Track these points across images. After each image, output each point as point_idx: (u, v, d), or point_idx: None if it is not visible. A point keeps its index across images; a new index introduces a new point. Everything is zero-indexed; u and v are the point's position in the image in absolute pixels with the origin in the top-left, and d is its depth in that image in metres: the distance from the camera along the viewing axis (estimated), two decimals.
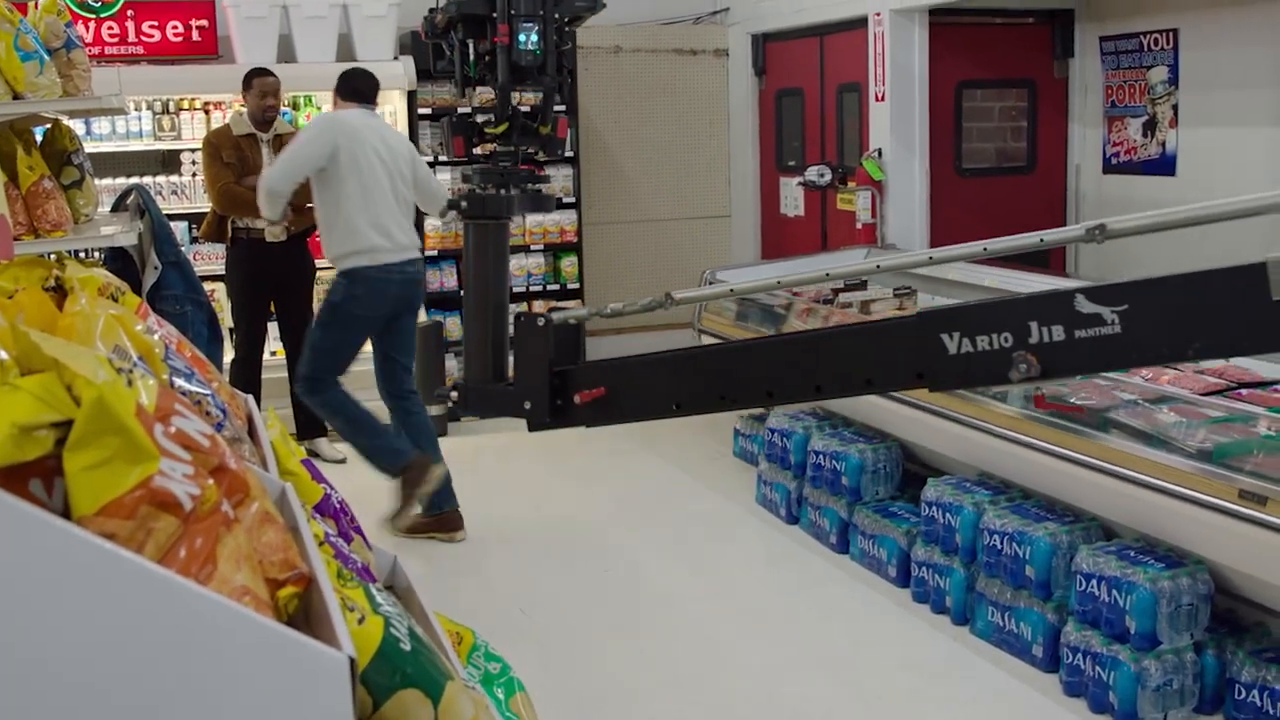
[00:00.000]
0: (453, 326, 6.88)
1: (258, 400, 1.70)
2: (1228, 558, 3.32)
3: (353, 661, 0.84)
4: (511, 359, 3.32)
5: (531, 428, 3.13)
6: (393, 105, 6.94)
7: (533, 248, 7.27)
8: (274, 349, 6.29)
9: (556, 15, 3.57)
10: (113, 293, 1.39)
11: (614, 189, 8.02)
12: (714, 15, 8.20)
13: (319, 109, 6.82)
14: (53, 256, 2.81)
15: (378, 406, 5.07)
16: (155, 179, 6.56)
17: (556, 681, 3.70)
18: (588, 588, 4.55)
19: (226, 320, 6.05)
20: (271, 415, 1.56)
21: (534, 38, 3.51)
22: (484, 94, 5.01)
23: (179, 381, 1.24)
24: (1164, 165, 6.30)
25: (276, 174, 4.86)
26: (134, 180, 6.13)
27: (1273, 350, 2.27)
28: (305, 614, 0.97)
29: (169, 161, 6.80)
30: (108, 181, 6.07)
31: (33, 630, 0.72)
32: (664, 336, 6.97)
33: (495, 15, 3.47)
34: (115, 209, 4.55)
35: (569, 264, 7.36)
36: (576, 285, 7.35)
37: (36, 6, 3.36)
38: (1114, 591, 3.37)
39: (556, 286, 7.33)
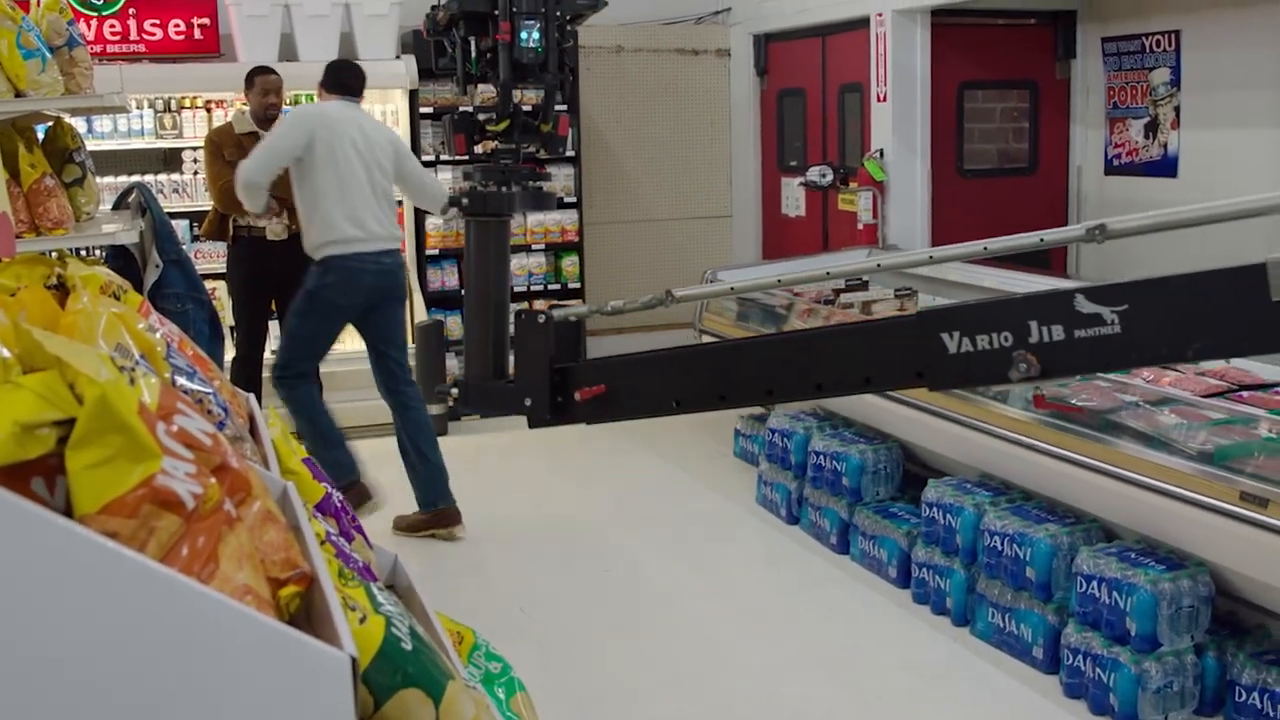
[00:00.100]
0: (454, 325, 6.88)
1: (259, 398, 1.70)
2: (1229, 560, 3.32)
3: (354, 661, 0.83)
4: (512, 356, 3.32)
5: (532, 424, 3.13)
6: (394, 104, 6.95)
7: (534, 247, 7.27)
8: (275, 347, 6.29)
9: (558, 13, 3.57)
10: (115, 291, 1.39)
11: (615, 189, 8.01)
12: (716, 15, 8.20)
13: None
14: (54, 254, 2.81)
15: (378, 406, 5.08)
16: (157, 177, 6.57)
17: (557, 681, 3.70)
18: (588, 587, 4.54)
19: (228, 318, 6.05)
20: (273, 414, 1.56)
21: (536, 35, 3.51)
22: (485, 92, 5.01)
23: (181, 380, 1.23)
24: (1166, 167, 6.30)
25: (252, 165, 4.89)
26: (135, 178, 6.13)
27: (1273, 351, 2.27)
28: (307, 613, 0.97)
29: (170, 160, 6.81)
30: (109, 179, 6.07)
31: (35, 629, 0.72)
32: (665, 337, 6.98)
33: (497, 12, 3.47)
34: (116, 207, 4.55)
35: (570, 264, 7.36)
36: (578, 285, 7.35)
37: (39, 4, 3.35)
38: (1115, 593, 3.37)
39: (557, 286, 7.33)
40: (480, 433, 6.61)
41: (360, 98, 5.13)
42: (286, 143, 4.87)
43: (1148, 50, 6.36)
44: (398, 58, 6.77)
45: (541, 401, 3.05)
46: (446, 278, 7.10)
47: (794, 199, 7.67)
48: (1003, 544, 3.79)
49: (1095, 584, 3.43)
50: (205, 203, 6.11)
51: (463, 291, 6.49)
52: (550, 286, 7.32)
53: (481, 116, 3.75)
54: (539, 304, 6.97)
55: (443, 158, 7.00)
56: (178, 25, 6.65)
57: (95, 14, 6.51)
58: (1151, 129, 6.39)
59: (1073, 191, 7.02)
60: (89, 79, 3.36)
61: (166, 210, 4.45)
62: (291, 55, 6.55)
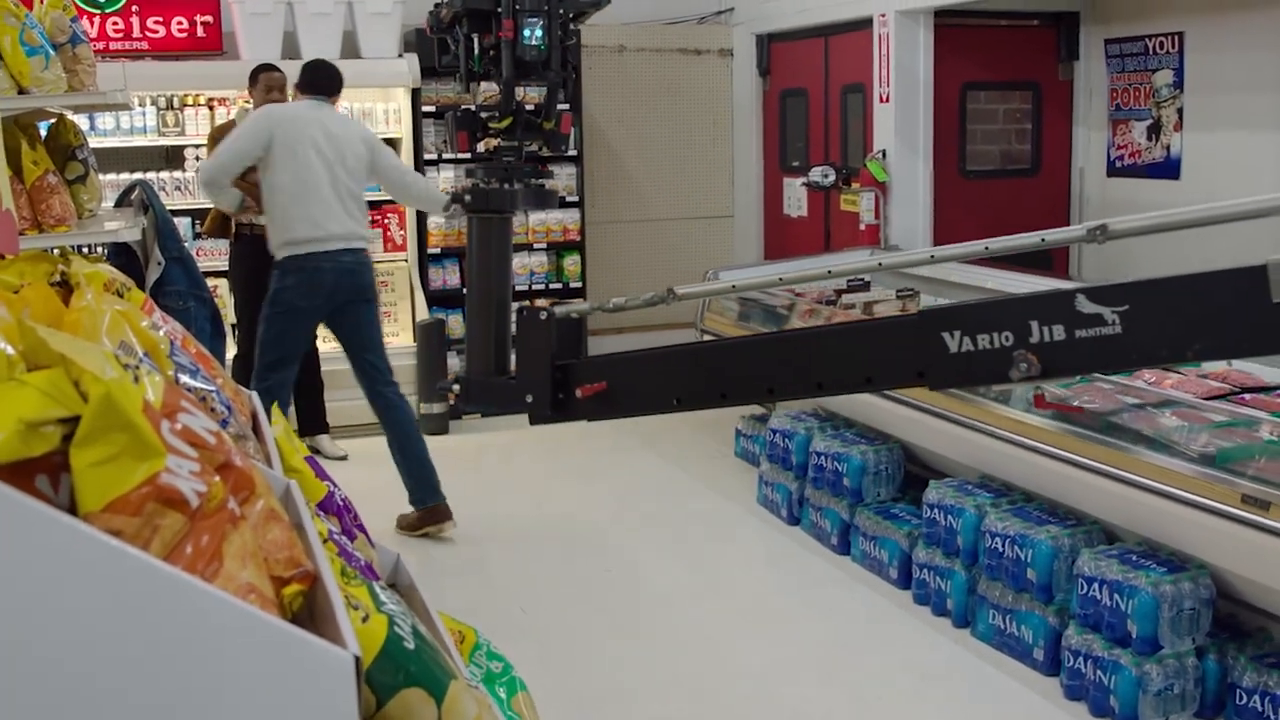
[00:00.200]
0: (455, 324, 6.88)
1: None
2: (1230, 562, 3.32)
3: (358, 660, 0.83)
4: (514, 353, 3.33)
5: (533, 421, 3.14)
6: (397, 102, 6.95)
7: (535, 246, 7.27)
8: None
9: (561, 11, 3.57)
10: (118, 288, 1.39)
11: (617, 188, 8.01)
12: (719, 15, 8.20)
13: None
14: (56, 251, 2.81)
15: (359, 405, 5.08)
16: (159, 174, 6.57)
17: (557, 680, 3.70)
18: (588, 587, 4.54)
19: (229, 316, 6.05)
20: (275, 412, 1.56)
21: (539, 33, 3.51)
22: (488, 90, 5.01)
23: (184, 378, 1.23)
24: (1168, 169, 6.30)
25: (210, 165, 4.92)
26: (138, 175, 6.13)
27: (1273, 353, 2.26)
28: (310, 612, 0.97)
29: (173, 157, 6.81)
30: (111, 177, 6.07)
31: (38, 627, 0.72)
32: (665, 336, 6.98)
33: (500, 10, 3.47)
34: (119, 204, 4.55)
35: (572, 263, 7.36)
36: (579, 284, 7.35)
37: (42, 1, 3.35)
38: (1116, 595, 3.37)
39: (559, 285, 7.33)
40: (481, 431, 6.61)
41: (332, 97, 5.12)
42: (243, 144, 4.89)
43: (1151, 52, 6.35)
44: (400, 56, 6.77)
45: (542, 398, 3.05)
46: (448, 276, 7.10)
47: (796, 199, 7.66)
48: (1004, 545, 3.79)
49: (1096, 586, 3.43)
50: (207, 200, 6.11)
51: (464, 289, 6.50)
52: (552, 286, 7.32)
53: (484, 114, 3.75)
54: (541, 302, 6.98)
55: (445, 156, 7.00)
56: (180, 23, 6.65)
57: (98, 11, 6.51)
58: (1154, 131, 6.38)
59: (1075, 193, 7.02)
60: (92, 76, 3.36)
61: (168, 208, 4.45)
62: (294, 53, 6.55)
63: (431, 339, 6.58)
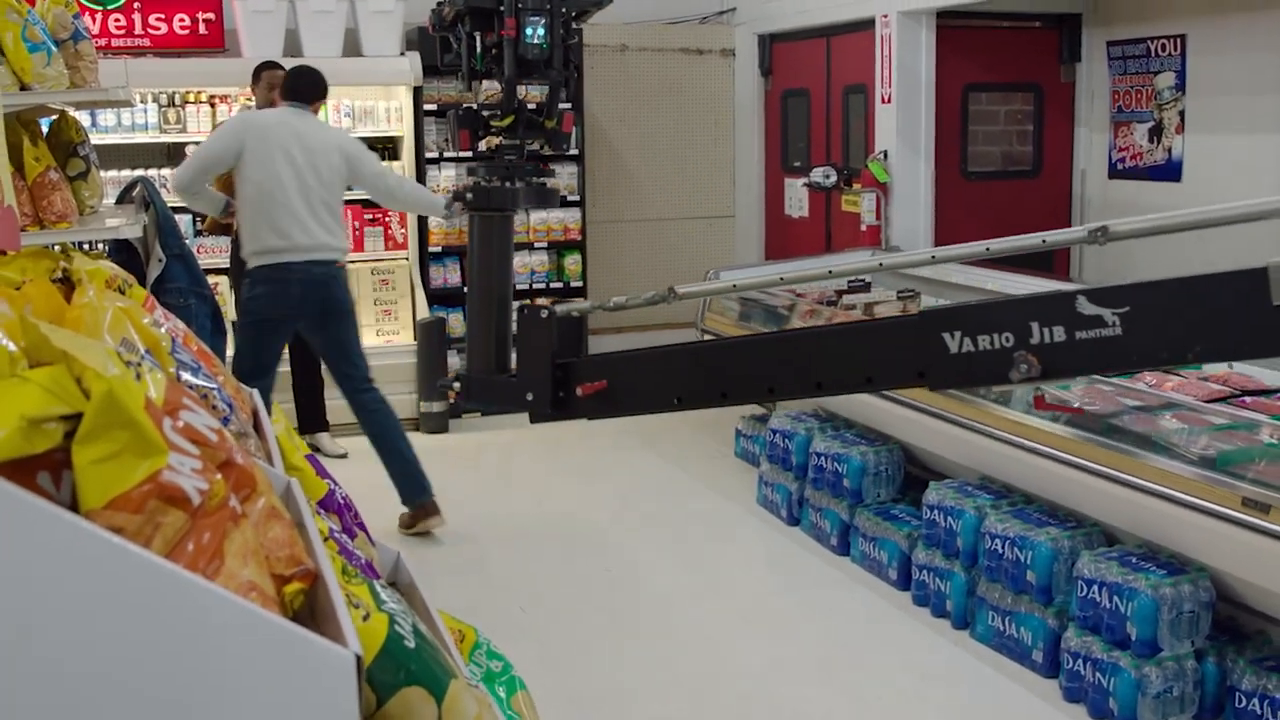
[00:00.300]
0: (455, 322, 6.88)
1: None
2: (1230, 565, 3.32)
3: (359, 659, 0.83)
4: (514, 351, 3.33)
5: (533, 419, 3.14)
6: (399, 100, 6.94)
7: (536, 245, 7.27)
8: None
9: (563, 10, 3.57)
10: (120, 285, 1.39)
11: (618, 188, 8.01)
12: (720, 15, 8.20)
13: (324, 103, 6.81)
14: (57, 248, 2.81)
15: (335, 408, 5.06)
16: (160, 171, 6.56)
17: (556, 680, 3.70)
18: (588, 586, 4.54)
19: (230, 313, 6.04)
20: (276, 410, 1.56)
21: (541, 31, 3.51)
22: (490, 88, 5.01)
23: (185, 375, 1.23)
24: (1170, 171, 6.30)
25: (181, 172, 4.91)
26: (139, 173, 6.13)
27: (1274, 355, 2.27)
28: (311, 610, 0.97)
29: (174, 154, 6.80)
30: (113, 174, 6.07)
31: (40, 625, 0.72)
32: (666, 336, 6.98)
33: (502, 9, 3.48)
34: (120, 201, 4.55)
35: (573, 262, 7.36)
36: (580, 283, 7.35)
37: None
38: (1115, 597, 3.37)
39: (560, 284, 7.33)
40: (481, 430, 6.61)
41: (313, 104, 5.09)
42: (215, 150, 4.89)
43: (1153, 54, 6.35)
44: (402, 54, 6.77)
45: (543, 396, 3.05)
46: (449, 275, 7.10)
47: (797, 200, 7.66)
48: (1003, 547, 3.79)
49: (1096, 588, 3.43)
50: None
51: (465, 288, 6.50)
52: (553, 285, 7.32)
53: (486, 113, 3.75)
54: (541, 301, 6.98)
55: (446, 154, 7.00)
56: (182, 20, 6.65)
57: (100, 8, 6.51)
58: (1156, 133, 6.38)
59: (1076, 195, 7.02)
60: (94, 73, 3.35)
61: (169, 205, 4.45)
62: (296, 51, 6.55)
63: (432, 337, 6.59)
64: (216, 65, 6.56)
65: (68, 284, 1.29)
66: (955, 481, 4.28)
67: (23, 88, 3.02)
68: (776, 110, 7.90)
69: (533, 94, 4.84)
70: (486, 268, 3.57)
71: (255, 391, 1.60)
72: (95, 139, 4.55)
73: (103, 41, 6.34)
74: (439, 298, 7.00)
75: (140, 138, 6.56)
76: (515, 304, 3.51)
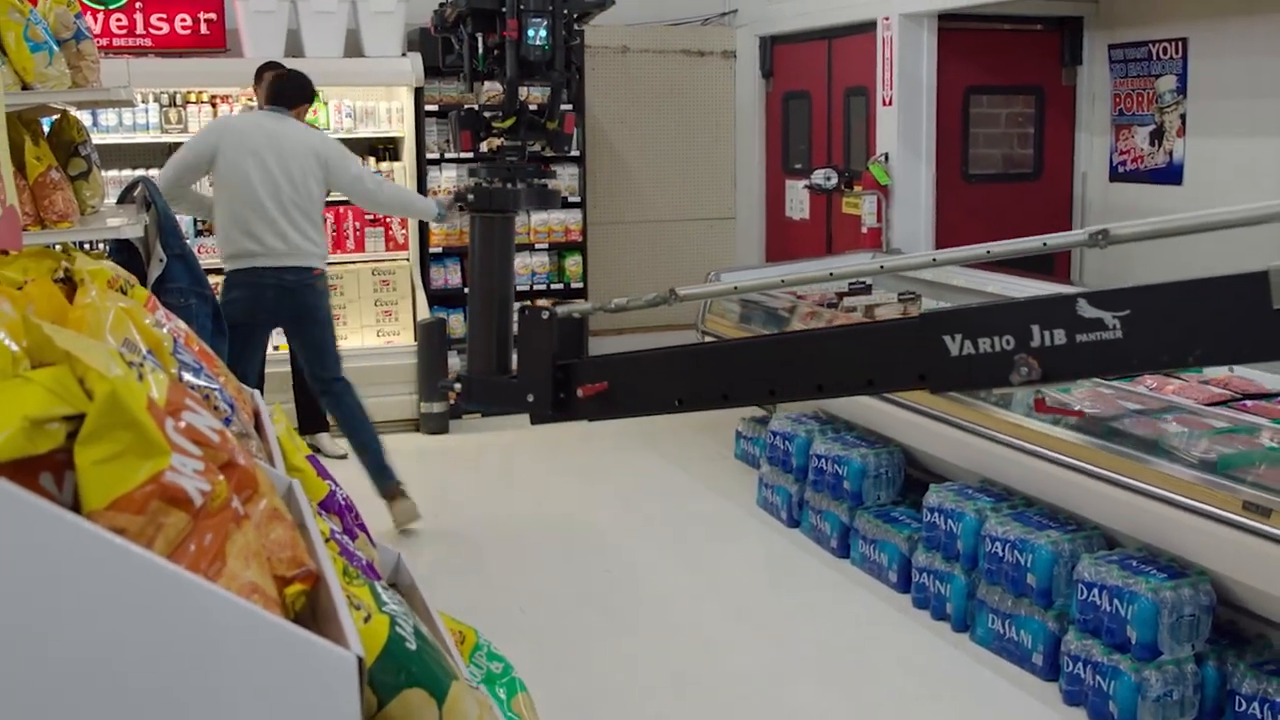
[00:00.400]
0: (455, 323, 6.88)
1: (261, 393, 1.69)
2: (1230, 569, 3.31)
3: (361, 660, 0.83)
4: (515, 353, 3.33)
5: (534, 420, 3.14)
6: (400, 101, 6.94)
7: (537, 246, 7.27)
8: (277, 343, 6.29)
9: (565, 11, 3.57)
10: (122, 285, 1.39)
11: (619, 189, 8.01)
12: (722, 17, 8.20)
13: (325, 104, 6.82)
14: (58, 248, 2.81)
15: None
16: (162, 171, 6.55)
17: (556, 681, 3.69)
18: (588, 588, 4.54)
19: None
20: (278, 410, 1.56)
21: (543, 33, 3.51)
22: (492, 89, 5.01)
23: (187, 376, 1.23)
24: (1171, 174, 6.30)
25: (160, 177, 4.91)
26: (140, 172, 6.13)
27: (1274, 359, 2.27)
28: (312, 611, 0.97)
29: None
30: (114, 173, 6.07)
31: (41, 625, 0.72)
32: (666, 338, 6.97)
33: (504, 10, 3.48)
34: (121, 201, 4.55)
35: (573, 263, 7.36)
36: (581, 285, 7.35)
37: None
38: (1115, 601, 3.37)
39: (560, 286, 7.33)
40: (481, 431, 6.61)
41: (295, 109, 5.08)
42: (191, 153, 4.92)
43: (1154, 57, 6.35)
44: (403, 54, 6.77)
45: (544, 398, 3.05)
46: (449, 275, 7.10)
47: (798, 202, 7.66)
48: (1004, 550, 3.79)
49: (1096, 591, 3.43)
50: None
51: (465, 289, 6.49)
52: (553, 286, 7.32)
53: (488, 114, 3.75)
54: (542, 302, 6.98)
55: (447, 155, 7.00)
56: (184, 20, 6.65)
57: (102, 8, 6.51)
58: (1157, 136, 6.38)
59: (1077, 198, 7.02)
60: (96, 73, 3.35)
61: (177, 213, 4.45)
62: (298, 51, 6.55)
63: (432, 338, 6.58)
64: (218, 65, 6.56)
65: (69, 284, 1.29)
66: (955, 484, 4.27)
67: (24, 87, 3.02)
68: (777, 112, 7.91)
69: (534, 95, 4.84)
70: (488, 269, 3.58)
71: (256, 392, 1.60)
72: (97, 139, 4.55)
73: (104, 41, 6.35)
74: (439, 298, 7.00)
75: (141, 138, 6.56)
76: (516, 305, 3.51)
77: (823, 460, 4.83)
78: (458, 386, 3.47)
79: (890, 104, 6.53)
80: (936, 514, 4.13)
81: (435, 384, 6.36)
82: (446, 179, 6.98)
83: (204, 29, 6.68)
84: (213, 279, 4.93)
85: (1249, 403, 3.89)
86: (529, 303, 5.46)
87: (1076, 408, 3.89)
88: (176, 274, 4.06)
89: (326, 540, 1.18)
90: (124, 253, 3.89)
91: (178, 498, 0.80)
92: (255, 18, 6.50)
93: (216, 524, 0.84)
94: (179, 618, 0.75)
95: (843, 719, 3.57)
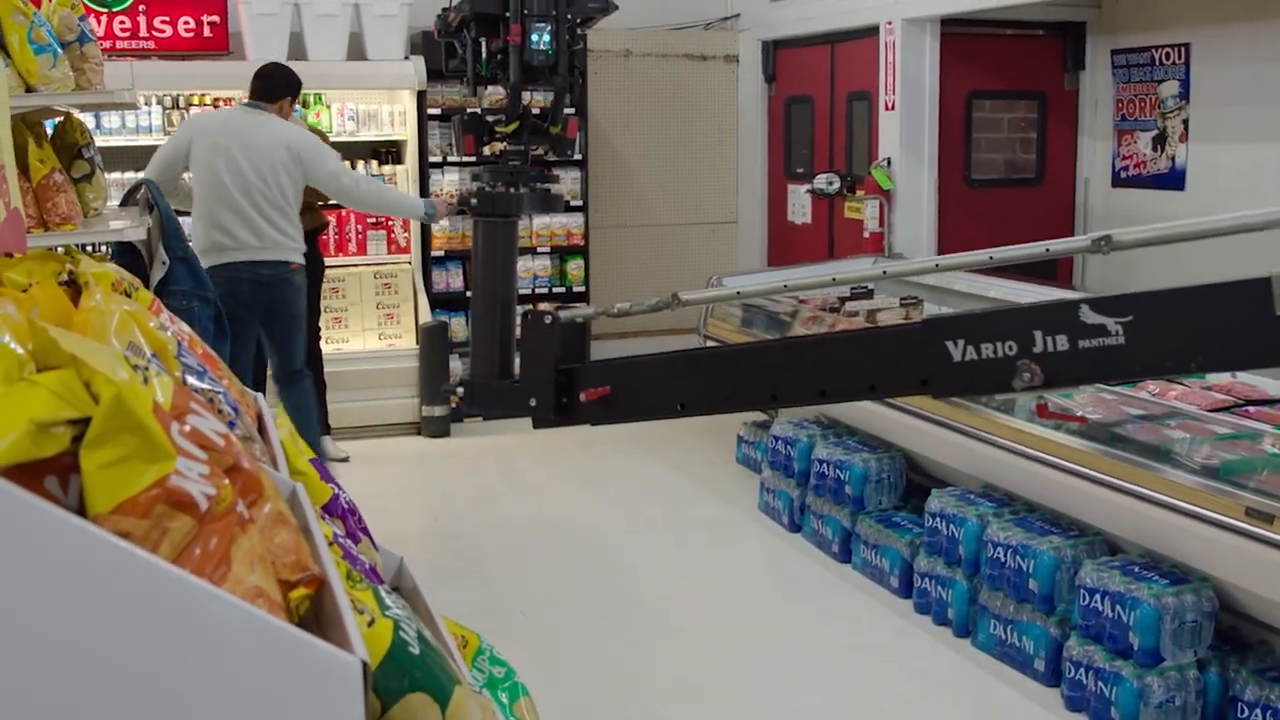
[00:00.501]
0: (458, 327, 6.89)
1: (263, 396, 1.69)
2: (1233, 575, 3.31)
3: (365, 665, 0.83)
4: (518, 357, 3.33)
5: (536, 425, 3.14)
6: (403, 104, 6.95)
7: (539, 250, 7.27)
8: None
9: (569, 16, 3.58)
10: (126, 288, 1.39)
11: (621, 193, 8.02)
12: (725, 21, 8.20)
13: (328, 107, 6.83)
14: (61, 250, 2.80)
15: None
16: None
17: (557, 686, 3.69)
18: (588, 592, 4.54)
19: None
20: (281, 413, 1.56)
21: (546, 38, 3.52)
22: (494, 94, 5.01)
23: (191, 379, 1.23)
24: (1173, 180, 6.30)
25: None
26: (143, 175, 6.13)
27: (1276, 365, 2.27)
28: (316, 616, 0.97)
29: None
30: (117, 176, 6.08)
31: (46, 628, 0.71)
32: (668, 342, 6.96)
33: (508, 15, 3.48)
34: (124, 203, 4.55)
35: (575, 267, 7.36)
36: (583, 288, 7.35)
37: (50, 0, 3.35)
38: (1118, 607, 3.36)
39: (562, 289, 7.33)
40: (483, 435, 6.61)
41: (274, 103, 5.11)
42: (169, 148, 4.98)
43: (1157, 63, 6.35)
44: (406, 58, 6.78)
45: (546, 402, 3.05)
46: (451, 279, 7.10)
47: (800, 206, 7.66)
48: (1006, 555, 3.78)
49: (1098, 597, 3.42)
50: None
51: (467, 292, 6.50)
52: (555, 289, 7.32)
53: (491, 118, 3.76)
54: (544, 306, 6.98)
55: (450, 159, 7.00)
56: (187, 23, 6.66)
57: (106, 10, 6.52)
58: (1159, 142, 6.38)
59: (1079, 203, 7.01)
60: (99, 75, 3.36)
61: (173, 207, 4.45)
62: (300, 54, 6.56)
63: (434, 341, 6.59)
64: (221, 68, 6.57)
65: (74, 287, 1.29)
66: (957, 489, 4.27)
67: (28, 89, 3.02)
68: (780, 116, 7.91)
69: (537, 99, 4.85)
70: (491, 273, 3.58)
71: (259, 395, 1.60)
72: (100, 141, 4.55)
73: (108, 44, 6.35)
74: (441, 302, 7.00)
75: (145, 140, 6.56)
76: (519, 309, 3.51)
77: (824, 465, 4.83)
78: (460, 390, 3.47)
79: (893, 109, 6.53)
80: (938, 519, 4.13)
81: (437, 387, 6.36)
82: (449, 182, 6.98)
83: (207, 32, 6.69)
84: None
85: (1251, 408, 3.89)
86: (532, 307, 5.48)
87: (1079, 413, 3.88)
88: (179, 277, 4.06)
89: (330, 544, 1.17)
90: (126, 255, 3.90)
91: (183, 502, 0.80)
92: (258, 20, 6.51)
93: (221, 528, 0.84)
94: (184, 622, 0.75)
95: None
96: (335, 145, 6.19)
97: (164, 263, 3.98)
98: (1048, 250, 2.58)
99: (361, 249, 6.90)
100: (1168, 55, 6.27)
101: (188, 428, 0.88)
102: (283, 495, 1.10)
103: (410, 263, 7.03)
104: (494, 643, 1.57)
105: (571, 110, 5.96)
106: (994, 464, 4.17)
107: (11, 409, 0.74)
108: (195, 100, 6.65)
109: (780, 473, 5.19)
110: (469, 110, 5.38)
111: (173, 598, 0.75)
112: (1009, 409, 4.14)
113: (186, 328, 1.46)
